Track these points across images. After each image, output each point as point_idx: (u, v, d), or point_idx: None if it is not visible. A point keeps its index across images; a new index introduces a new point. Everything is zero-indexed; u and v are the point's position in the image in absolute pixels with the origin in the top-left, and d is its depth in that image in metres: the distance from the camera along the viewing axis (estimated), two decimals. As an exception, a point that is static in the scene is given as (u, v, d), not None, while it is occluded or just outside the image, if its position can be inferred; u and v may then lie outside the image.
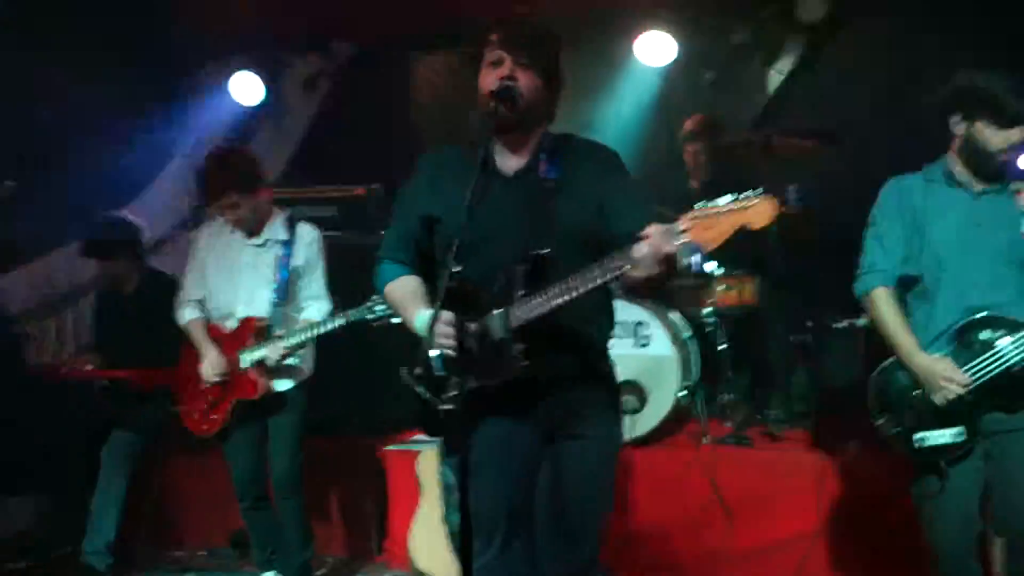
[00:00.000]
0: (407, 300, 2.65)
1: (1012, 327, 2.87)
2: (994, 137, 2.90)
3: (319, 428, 4.29)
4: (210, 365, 4.00)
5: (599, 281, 2.26)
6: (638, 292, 2.43)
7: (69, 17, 5.02)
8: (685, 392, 4.41)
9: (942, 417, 2.92)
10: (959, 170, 3.04)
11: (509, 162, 2.60)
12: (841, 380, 4.68)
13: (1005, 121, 2.88)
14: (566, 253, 2.40)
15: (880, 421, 3.04)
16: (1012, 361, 2.85)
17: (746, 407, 4.78)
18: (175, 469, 4.94)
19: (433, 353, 2.42)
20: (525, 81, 2.49)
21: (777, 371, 4.88)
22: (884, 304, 3.05)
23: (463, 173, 2.53)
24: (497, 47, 2.50)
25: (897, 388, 3.02)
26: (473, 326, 2.47)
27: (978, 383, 2.88)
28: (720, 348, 4.80)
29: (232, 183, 3.93)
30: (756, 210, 2.06)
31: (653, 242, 2.11)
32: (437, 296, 2.26)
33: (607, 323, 2.71)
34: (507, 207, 2.53)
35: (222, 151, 4.15)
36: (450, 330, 2.39)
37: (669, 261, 2.13)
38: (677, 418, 4.56)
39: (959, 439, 2.90)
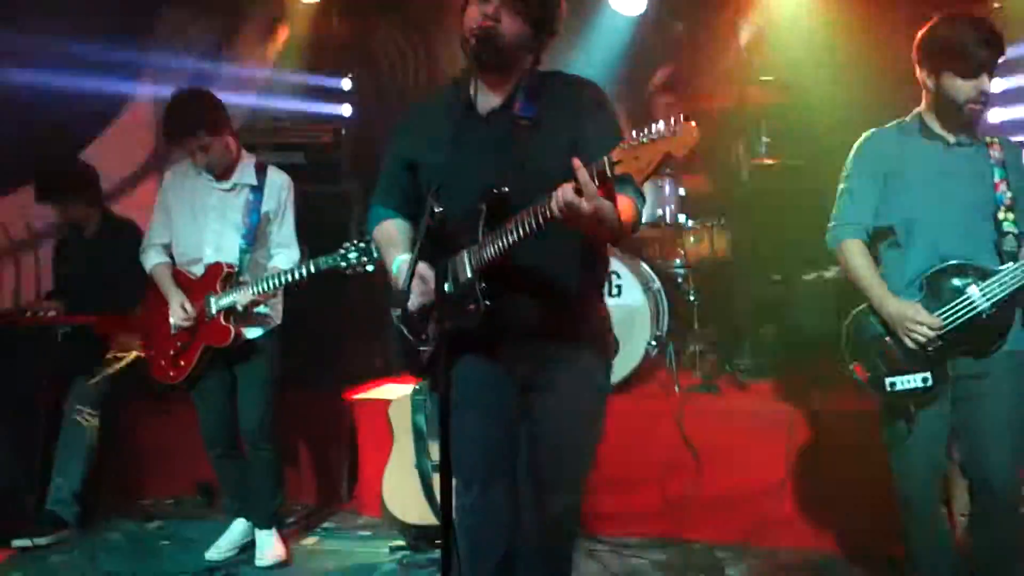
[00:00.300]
0: (386, 245, 2.67)
1: (981, 274, 2.93)
2: (962, 87, 2.94)
3: (288, 379, 4.24)
4: (177, 310, 3.92)
5: (533, 221, 2.19)
6: (590, 236, 2.32)
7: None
8: (655, 343, 4.44)
9: (911, 362, 2.99)
10: (932, 122, 3.08)
11: (488, 101, 2.54)
12: (809, 332, 4.75)
13: (970, 71, 2.91)
14: (534, 194, 2.25)
15: (851, 366, 3.10)
16: (980, 308, 2.91)
17: (715, 357, 4.83)
18: (140, 417, 4.85)
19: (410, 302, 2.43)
20: (508, 24, 2.41)
21: (746, 322, 4.93)
22: (855, 255, 3.10)
23: (445, 114, 2.53)
24: None
25: (869, 334, 3.08)
26: (447, 265, 2.44)
27: (947, 329, 2.94)
28: (690, 299, 4.84)
29: (201, 122, 3.84)
30: (679, 138, 1.95)
31: (581, 176, 2.03)
32: (417, 238, 2.23)
33: (587, 272, 2.60)
34: (480, 146, 2.48)
35: (190, 90, 4.03)
36: (419, 282, 2.38)
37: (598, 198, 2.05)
38: (648, 368, 4.60)
39: (927, 384, 2.97)
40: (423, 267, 2.38)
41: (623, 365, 4.35)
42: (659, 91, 5.33)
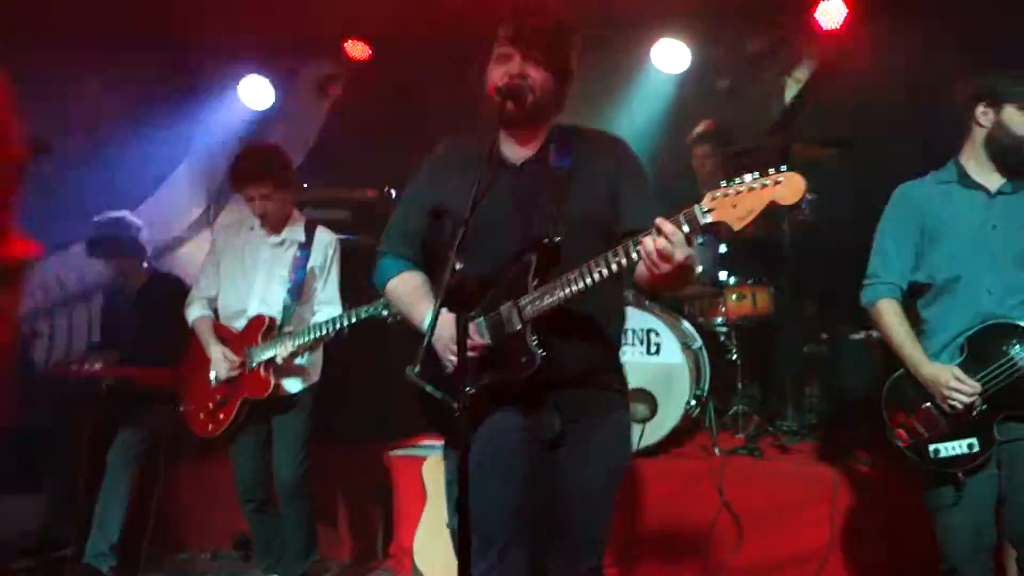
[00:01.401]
0: (413, 297, 2.60)
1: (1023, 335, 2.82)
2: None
3: (326, 434, 4.25)
4: (220, 360, 3.97)
5: (614, 266, 2.23)
6: (649, 289, 2.38)
7: (76, 16, 5.00)
8: (695, 402, 4.34)
9: (956, 428, 2.87)
10: (975, 168, 2.99)
11: (518, 152, 2.56)
12: (856, 392, 4.61)
13: None
14: (578, 242, 2.36)
15: (894, 431, 2.98)
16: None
17: (758, 418, 4.71)
18: (179, 470, 4.91)
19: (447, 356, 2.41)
20: (536, 77, 2.45)
21: (789, 382, 4.81)
22: (889, 315, 3.02)
23: (470, 165, 2.50)
24: (507, 42, 2.46)
25: (909, 399, 2.97)
26: (485, 320, 2.43)
27: (990, 391, 2.83)
28: (732, 358, 4.74)
29: (268, 173, 3.96)
30: (786, 185, 2.05)
31: (667, 228, 2.10)
32: (439, 290, 2.18)
33: (619, 321, 2.67)
34: (516, 196, 2.49)
35: (265, 143, 4.19)
36: (463, 335, 2.30)
37: (684, 253, 2.11)
38: (688, 428, 4.51)
39: (974, 450, 2.85)
40: (467, 323, 2.34)
41: (662, 425, 4.26)
42: (697, 142, 5.32)
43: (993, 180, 2.98)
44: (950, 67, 4.95)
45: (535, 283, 2.37)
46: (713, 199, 2.09)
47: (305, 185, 5.66)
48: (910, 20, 5.14)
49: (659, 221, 2.12)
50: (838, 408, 4.71)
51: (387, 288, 2.68)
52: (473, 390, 2.34)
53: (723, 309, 4.77)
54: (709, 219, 2.09)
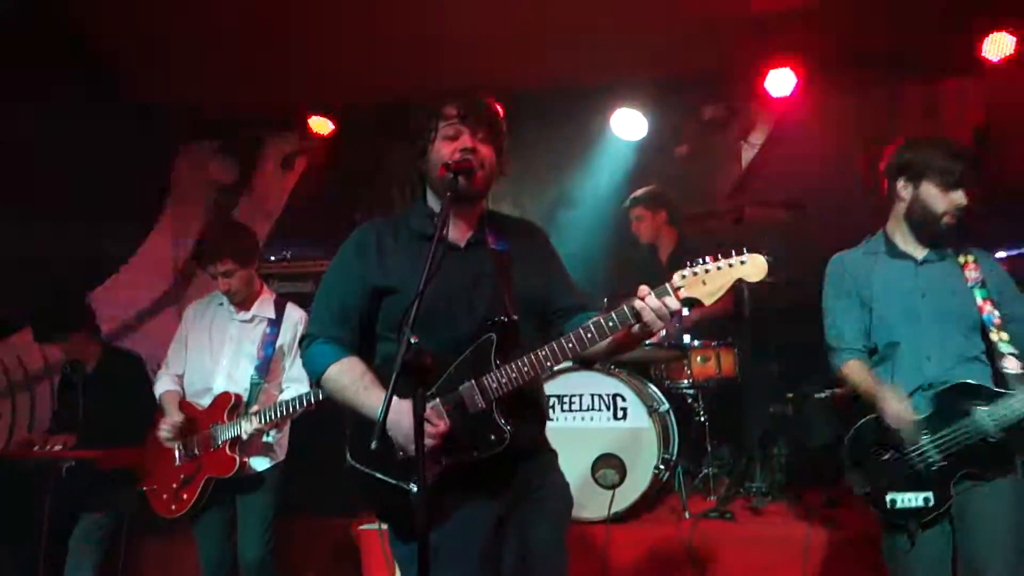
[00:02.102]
0: (359, 385, 2.47)
1: (988, 396, 2.88)
2: (940, 199, 3.00)
3: (292, 508, 4.18)
4: (164, 425, 3.91)
5: (597, 338, 2.37)
6: (606, 356, 2.57)
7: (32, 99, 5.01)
8: (663, 466, 4.34)
9: (914, 481, 2.92)
10: (901, 238, 3.12)
11: (458, 232, 2.60)
12: (823, 450, 4.64)
13: (950, 183, 2.98)
14: (523, 321, 2.49)
15: (852, 477, 3.03)
16: (987, 430, 2.85)
17: (728, 480, 4.71)
18: (145, 549, 4.79)
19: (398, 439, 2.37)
20: (484, 153, 2.51)
21: (757, 443, 4.83)
22: (856, 372, 3.09)
23: (407, 243, 2.56)
24: (456, 121, 2.50)
25: (872, 446, 3.01)
26: (442, 400, 2.42)
27: (951, 449, 2.88)
28: (699, 420, 4.76)
29: (231, 250, 3.97)
30: (750, 265, 2.31)
31: (652, 302, 2.30)
32: (394, 369, 2.12)
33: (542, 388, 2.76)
34: (464, 277, 2.52)
35: (230, 221, 4.20)
36: (433, 416, 2.36)
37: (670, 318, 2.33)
38: (658, 492, 4.49)
39: (929, 504, 2.90)
40: (432, 406, 2.38)
41: (632, 490, 4.25)
42: (632, 204, 5.48)
43: (919, 250, 3.10)
44: (889, 133, 5.16)
45: (497, 363, 2.40)
46: (683, 278, 2.32)
47: (272, 258, 5.69)
48: (855, 87, 5.34)
49: (642, 290, 2.33)
50: (807, 467, 4.73)
51: (325, 376, 2.52)
52: (431, 473, 2.35)
53: (688, 371, 4.81)
54: (681, 295, 2.32)
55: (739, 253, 2.32)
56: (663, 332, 4.52)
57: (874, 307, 3.07)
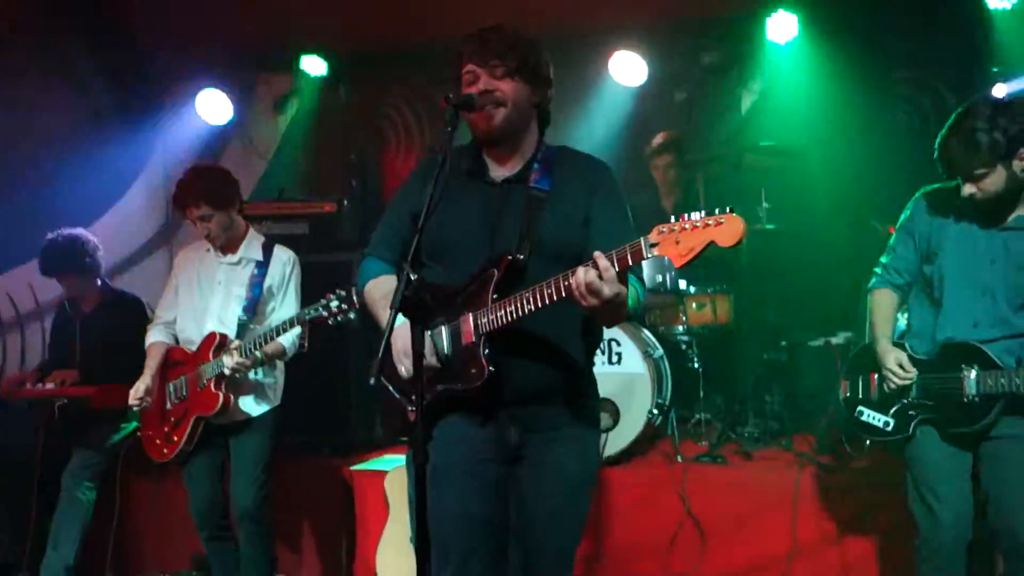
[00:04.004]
0: (382, 301, 2.55)
1: (985, 363, 2.96)
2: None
3: (287, 451, 4.19)
4: (138, 388, 3.94)
5: (553, 293, 2.24)
6: (595, 318, 2.38)
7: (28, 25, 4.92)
8: (657, 410, 4.36)
9: (884, 404, 3.18)
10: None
11: (499, 171, 2.56)
12: (816, 399, 4.67)
13: None
14: (548, 264, 2.36)
15: (841, 384, 3.33)
16: (965, 391, 2.97)
17: (720, 425, 4.74)
18: (138, 491, 4.81)
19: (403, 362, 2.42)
20: (506, 89, 2.44)
21: (751, 390, 4.85)
22: (878, 302, 3.26)
23: (456, 176, 2.49)
24: (469, 63, 2.45)
25: (865, 364, 3.28)
26: (447, 328, 2.43)
27: (931, 391, 3.06)
28: (693, 366, 4.78)
29: (203, 195, 3.90)
30: (727, 227, 2.06)
31: (601, 264, 2.13)
32: (395, 298, 2.14)
33: (586, 344, 2.59)
34: (488, 212, 2.49)
35: (202, 165, 4.14)
36: (408, 345, 2.30)
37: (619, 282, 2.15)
38: (651, 437, 4.52)
39: (887, 428, 3.16)
40: (413, 333, 2.30)
41: (624, 434, 4.26)
42: (657, 153, 5.38)
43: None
44: (896, 78, 5.11)
45: (494, 297, 2.37)
46: (660, 233, 2.11)
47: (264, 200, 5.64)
48: (857, 33, 5.27)
49: (596, 255, 2.15)
50: (799, 414, 4.76)
51: (365, 289, 2.67)
52: (425, 398, 2.32)
53: (684, 318, 4.81)
54: (654, 252, 2.11)
55: (720, 213, 2.09)
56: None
57: (941, 254, 3.06)
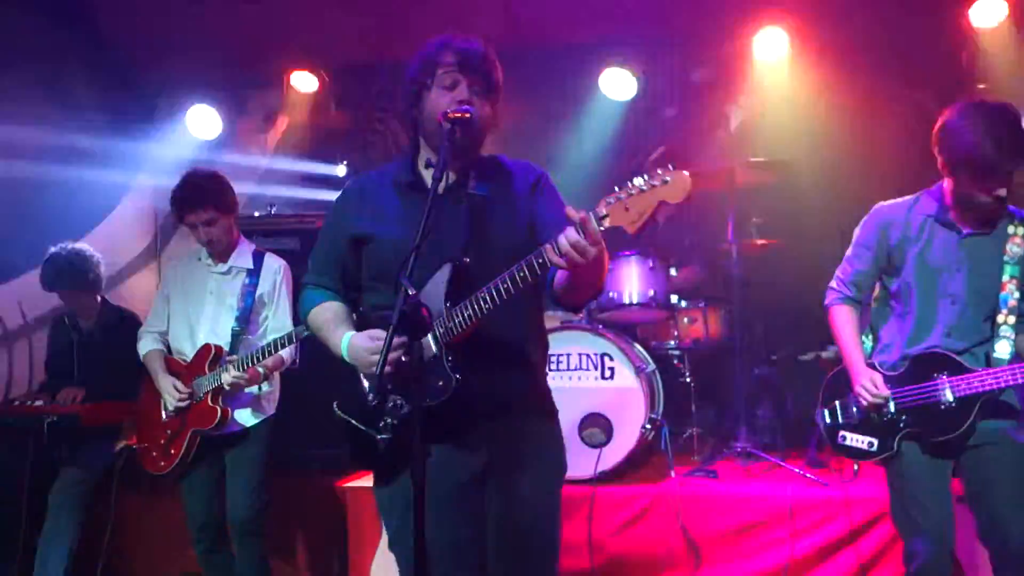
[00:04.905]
0: (330, 324, 2.57)
1: (955, 369, 2.98)
2: (980, 195, 2.89)
3: (280, 465, 4.16)
4: (170, 390, 3.90)
5: (527, 275, 2.21)
6: (571, 288, 2.38)
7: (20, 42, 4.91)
8: (650, 425, 4.36)
9: (865, 426, 3.16)
10: (949, 210, 3.04)
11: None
12: (808, 412, 4.67)
13: (991, 186, 2.85)
14: (495, 266, 2.31)
15: (820, 411, 3.31)
16: (941, 399, 2.98)
17: (713, 440, 4.75)
18: (126, 507, 4.76)
19: (364, 382, 2.42)
20: (481, 107, 2.47)
21: (743, 404, 4.86)
22: (840, 319, 3.24)
23: (388, 191, 2.55)
24: (454, 70, 2.45)
25: (838, 388, 3.25)
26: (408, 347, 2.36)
27: (907, 405, 3.05)
28: (686, 381, 4.79)
29: (209, 198, 3.90)
30: (673, 183, 2.06)
31: (582, 220, 2.08)
32: (394, 316, 2.14)
33: (542, 343, 2.66)
34: (438, 222, 2.43)
35: (205, 169, 4.11)
36: (377, 345, 2.31)
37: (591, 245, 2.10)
38: (644, 452, 4.51)
39: (872, 448, 3.14)
40: (377, 337, 2.36)
41: (618, 449, 4.26)
42: (654, 165, 5.39)
43: (964, 225, 3.02)
44: (885, 94, 5.16)
45: (447, 304, 2.35)
46: (608, 204, 2.09)
47: (255, 214, 5.63)
48: (845, 50, 5.32)
49: (568, 209, 2.12)
50: (791, 428, 4.77)
51: (308, 318, 2.68)
52: (395, 422, 2.33)
53: (675, 332, 4.82)
54: (606, 224, 2.09)
55: (662, 172, 2.08)
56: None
57: (906, 264, 3.07)
